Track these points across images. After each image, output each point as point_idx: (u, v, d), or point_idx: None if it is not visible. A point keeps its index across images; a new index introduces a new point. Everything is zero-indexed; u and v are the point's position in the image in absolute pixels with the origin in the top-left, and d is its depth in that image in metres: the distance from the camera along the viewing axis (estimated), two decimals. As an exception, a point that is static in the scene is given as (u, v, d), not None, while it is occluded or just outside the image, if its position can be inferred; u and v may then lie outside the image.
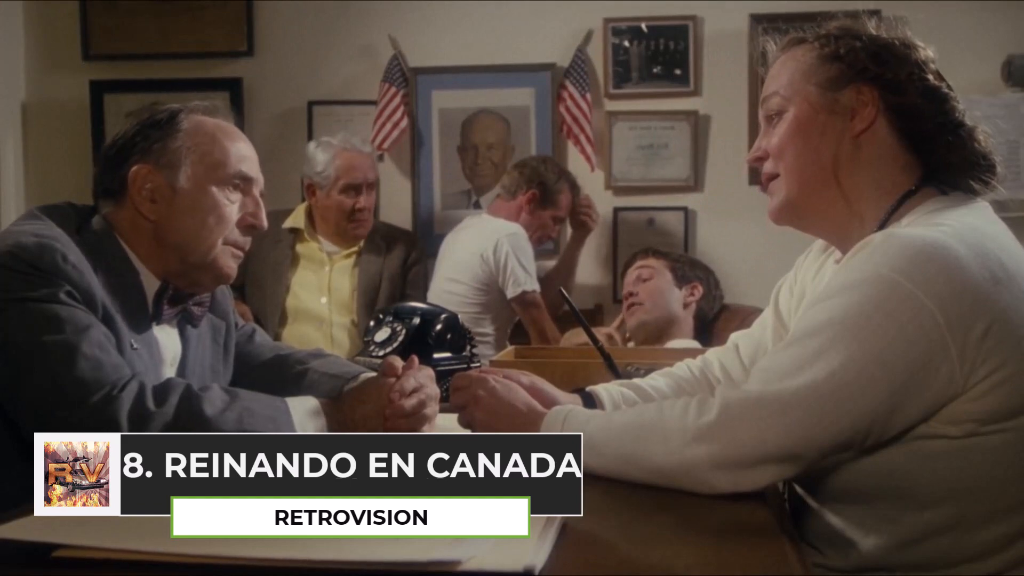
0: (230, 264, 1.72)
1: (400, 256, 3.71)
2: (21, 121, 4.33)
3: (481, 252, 3.61)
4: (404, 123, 4.09)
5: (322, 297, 3.62)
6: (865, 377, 1.26)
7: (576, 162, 4.10)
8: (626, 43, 4.09)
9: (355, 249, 3.67)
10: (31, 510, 1.15)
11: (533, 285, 3.64)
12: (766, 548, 1.13)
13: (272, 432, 1.51)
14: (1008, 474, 1.31)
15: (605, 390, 1.71)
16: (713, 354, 1.82)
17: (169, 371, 1.71)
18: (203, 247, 1.68)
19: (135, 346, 1.60)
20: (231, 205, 1.70)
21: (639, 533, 1.24)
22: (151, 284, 1.68)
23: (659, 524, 1.25)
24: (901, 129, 1.45)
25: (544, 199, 3.77)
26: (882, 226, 1.42)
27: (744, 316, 3.12)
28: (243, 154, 1.73)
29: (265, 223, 1.75)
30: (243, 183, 1.72)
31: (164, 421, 1.44)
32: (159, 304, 1.68)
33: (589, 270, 4.17)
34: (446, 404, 1.87)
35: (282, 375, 1.84)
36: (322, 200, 3.62)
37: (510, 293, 3.62)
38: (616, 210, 4.14)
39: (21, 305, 1.49)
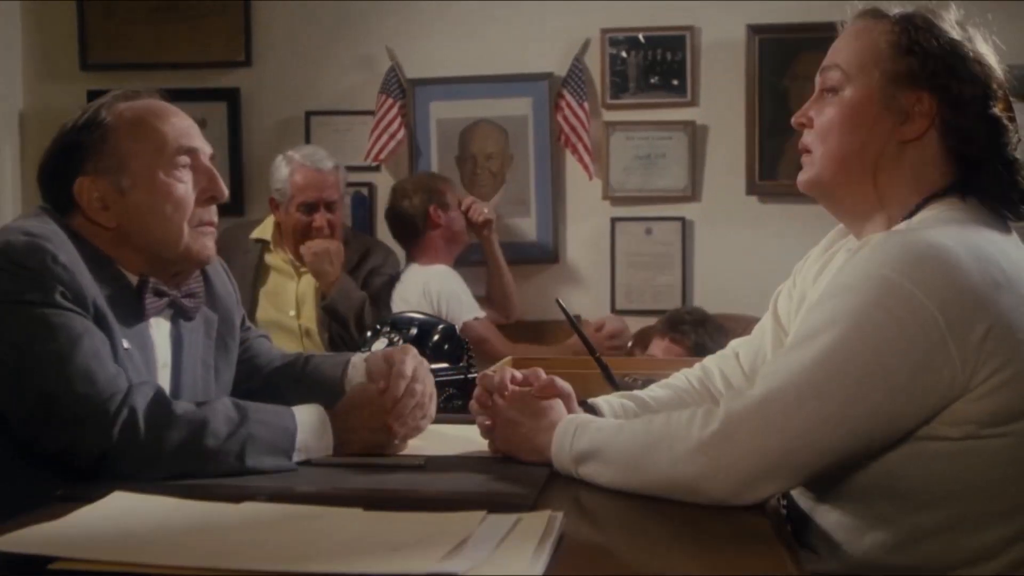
0: (204, 244, 1.67)
1: (370, 267, 3.70)
2: (19, 130, 4.32)
3: (417, 304, 3.59)
4: (401, 134, 4.08)
5: (291, 309, 3.62)
6: (866, 377, 1.26)
7: (574, 171, 4.10)
8: (623, 53, 4.09)
9: None
10: (27, 521, 1.15)
11: (474, 312, 3.63)
12: (764, 555, 1.14)
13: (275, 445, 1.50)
14: (1006, 477, 1.31)
15: (606, 402, 1.71)
16: (712, 362, 1.82)
17: (163, 372, 1.67)
18: (171, 238, 1.63)
19: (125, 346, 1.56)
20: (183, 184, 1.64)
21: (638, 540, 1.24)
22: (133, 282, 1.64)
23: (658, 532, 1.26)
24: (950, 147, 1.43)
25: (444, 207, 3.77)
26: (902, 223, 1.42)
27: (745, 325, 3.11)
28: (179, 128, 1.66)
29: (224, 191, 1.69)
30: (189, 156, 1.66)
31: (157, 454, 1.42)
32: (142, 299, 1.63)
33: (586, 280, 4.17)
34: (444, 414, 1.87)
35: (291, 376, 1.84)
36: (282, 216, 3.63)
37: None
38: (613, 220, 4.13)
39: (10, 307, 1.46)
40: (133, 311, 1.62)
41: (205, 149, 1.70)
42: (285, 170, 3.60)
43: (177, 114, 1.69)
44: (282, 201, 3.60)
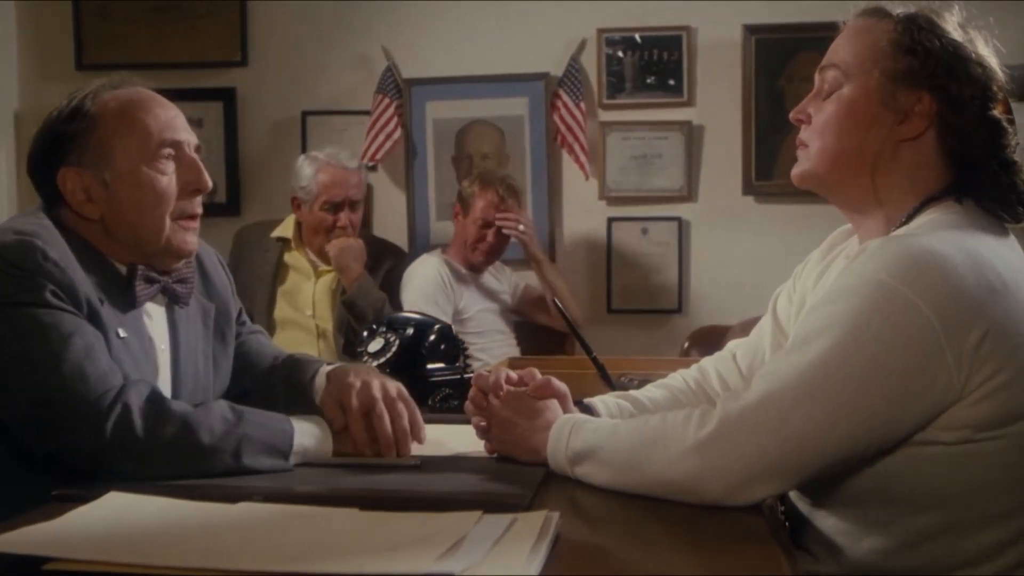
0: (186, 239, 1.65)
1: (385, 270, 3.71)
2: (14, 130, 4.32)
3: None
4: (397, 134, 4.09)
5: (307, 309, 3.63)
6: (862, 381, 1.26)
7: (570, 171, 4.10)
8: (620, 53, 4.09)
9: None
10: (22, 522, 1.15)
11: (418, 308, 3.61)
12: (760, 555, 1.14)
13: (271, 445, 1.49)
14: (1001, 480, 1.31)
15: (602, 402, 1.71)
16: (709, 362, 1.81)
17: (163, 358, 1.67)
18: (152, 231, 1.62)
19: (122, 334, 1.57)
20: (165, 177, 1.62)
21: (634, 541, 1.24)
22: (122, 272, 1.64)
23: (654, 532, 1.26)
24: (948, 147, 1.43)
25: (464, 209, 3.78)
26: (900, 227, 1.42)
27: (742, 327, 3.12)
28: (163, 119, 1.64)
29: (208, 182, 1.67)
30: (173, 148, 1.64)
31: (153, 450, 1.41)
32: (132, 287, 1.62)
33: (583, 280, 4.17)
34: (440, 414, 1.86)
35: (278, 378, 1.82)
36: (305, 214, 3.64)
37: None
38: (610, 220, 4.14)
39: (3, 309, 1.46)
40: (126, 300, 1.62)
41: (190, 140, 1.68)
42: (310, 169, 3.62)
43: (162, 104, 1.68)
44: (307, 200, 3.62)
